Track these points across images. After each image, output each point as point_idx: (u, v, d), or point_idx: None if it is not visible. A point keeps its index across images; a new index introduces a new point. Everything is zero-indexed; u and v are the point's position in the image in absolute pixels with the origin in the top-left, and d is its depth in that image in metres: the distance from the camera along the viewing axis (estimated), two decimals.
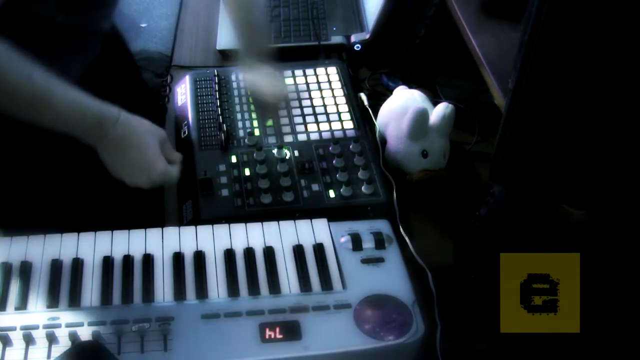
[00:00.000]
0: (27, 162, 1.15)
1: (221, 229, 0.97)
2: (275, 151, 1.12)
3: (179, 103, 1.24)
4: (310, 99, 1.23)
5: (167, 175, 1.01)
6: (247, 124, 1.17)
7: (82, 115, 0.94)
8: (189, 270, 0.91)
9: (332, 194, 1.06)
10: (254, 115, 1.19)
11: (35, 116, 0.92)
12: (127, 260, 0.92)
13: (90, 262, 0.92)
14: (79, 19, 1.07)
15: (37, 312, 0.86)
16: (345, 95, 1.24)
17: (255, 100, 1.17)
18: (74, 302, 0.87)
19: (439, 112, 1.10)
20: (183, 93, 1.25)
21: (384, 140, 1.16)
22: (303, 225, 0.98)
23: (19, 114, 0.91)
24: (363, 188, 1.06)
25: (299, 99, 1.23)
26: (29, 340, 0.82)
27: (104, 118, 0.96)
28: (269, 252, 0.94)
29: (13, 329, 0.83)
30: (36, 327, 0.83)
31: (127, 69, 1.33)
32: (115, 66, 1.24)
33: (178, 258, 0.92)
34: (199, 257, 0.93)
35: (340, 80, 1.27)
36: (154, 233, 0.96)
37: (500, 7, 1.15)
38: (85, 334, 0.83)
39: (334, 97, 1.23)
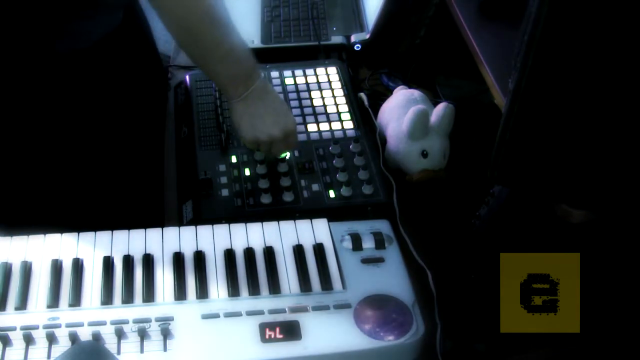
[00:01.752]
0: (27, 161, 1.15)
1: (221, 229, 0.97)
2: None
3: (179, 103, 1.24)
4: (310, 99, 1.23)
5: (295, 127, 1.07)
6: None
7: (246, 54, 1.02)
8: (189, 270, 0.91)
9: (332, 194, 1.06)
10: None
11: (209, 60, 1.01)
12: (127, 260, 0.92)
13: (90, 262, 0.92)
14: None
15: (37, 312, 0.86)
16: (345, 95, 1.24)
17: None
18: (74, 302, 0.87)
19: (439, 112, 1.10)
20: (183, 93, 1.25)
21: (384, 140, 1.16)
22: (303, 225, 0.98)
23: (197, 56, 1.02)
24: (363, 188, 1.06)
25: (299, 99, 1.23)
26: (29, 340, 0.82)
27: (255, 68, 1.03)
28: (269, 252, 0.94)
29: (13, 329, 0.83)
30: (36, 327, 0.83)
31: (144, 43, 1.32)
32: (133, 39, 1.23)
33: (178, 258, 0.92)
34: (199, 257, 0.93)
35: (340, 80, 1.27)
36: (154, 233, 0.96)
37: (500, 7, 1.15)
38: (85, 334, 0.83)
39: (334, 97, 1.23)
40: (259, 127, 1.03)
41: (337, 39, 1.40)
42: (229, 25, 0.99)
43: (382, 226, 0.99)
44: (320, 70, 1.28)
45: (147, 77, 1.16)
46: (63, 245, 0.94)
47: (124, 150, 1.24)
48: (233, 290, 0.89)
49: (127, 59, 1.16)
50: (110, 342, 0.82)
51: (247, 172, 1.08)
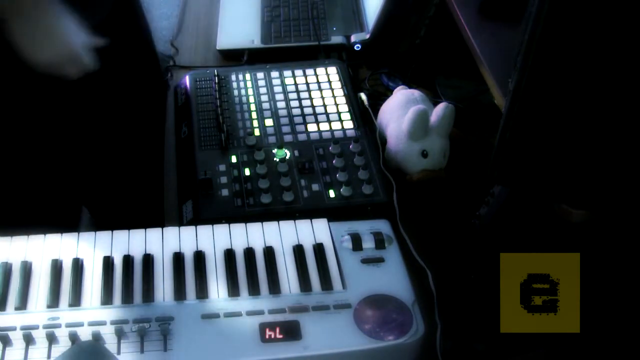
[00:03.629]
0: (27, 161, 1.15)
1: (221, 229, 0.97)
2: (275, 151, 1.12)
3: (179, 103, 1.24)
4: (310, 99, 1.23)
5: (81, 53, 0.94)
6: (247, 124, 1.17)
7: None
8: (189, 270, 0.91)
9: (332, 194, 1.06)
10: (253, 115, 1.19)
11: None
12: (127, 260, 0.92)
13: (90, 262, 0.92)
14: None
15: (37, 312, 0.86)
16: (345, 95, 1.24)
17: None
18: (74, 302, 0.87)
19: (439, 112, 1.10)
20: (183, 93, 1.25)
21: (384, 140, 1.16)
22: (303, 225, 0.98)
23: None
24: (363, 188, 1.06)
25: (299, 99, 1.23)
26: (29, 340, 0.82)
27: None
28: (269, 252, 0.94)
29: (13, 329, 0.83)
30: (36, 327, 0.83)
31: (139, 39, 1.27)
32: (125, 33, 1.18)
33: (178, 258, 0.92)
34: (199, 257, 0.93)
35: (340, 80, 1.27)
36: (154, 233, 0.96)
37: (500, 8, 1.15)
38: (85, 334, 0.83)
39: (334, 97, 1.23)
40: (58, 41, 0.92)
41: (337, 39, 1.40)
42: None
43: (382, 226, 0.99)
44: (320, 70, 1.28)
45: (145, 75, 1.15)
46: (63, 245, 0.94)
47: (123, 150, 1.24)
48: (233, 290, 0.89)
49: (118, 55, 1.12)
50: (110, 342, 0.82)
51: (247, 172, 1.08)
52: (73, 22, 0.95)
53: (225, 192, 1.05)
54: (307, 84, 1.26)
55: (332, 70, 1.29)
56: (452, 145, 1.14)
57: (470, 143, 1.20)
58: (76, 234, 0.95)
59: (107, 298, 0.88)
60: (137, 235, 0.96)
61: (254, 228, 0.97)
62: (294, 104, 1.22)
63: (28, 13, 0.90)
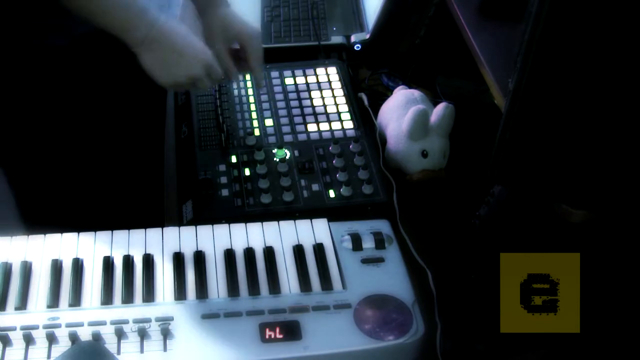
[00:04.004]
0: (27, 162, 1.15)
1: (221, 229, 0.97)
2: (275, 151, 1.12)
3: (179, 103, 1.24)
4: (310, 99, 1.23)
5: (213, 65, 1.02)
6: (247, 124, 1.17)
7: (131, 2, 0.97)
8: (189, 270, 0.91)
9: (332, 194, 1.06)
10: (253, 115, 1.19)
11: (92, 13, 0.94)
12: (127, 260, 0.92)
13: (90, 262, 0.92)
14: None
15: (37, 312, 0.86)
16: (345, 95, 1.24)
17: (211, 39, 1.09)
18: (74, 302, 0.87)
19: (439, 112, 1.10)
20: (183, 93, 1.25)
21: (384, 140, 1.16)
22: (303, 225, 0.98)
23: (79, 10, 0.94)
24: (363, 188, 1.06)
25: (299, 99, 1.23)
26: (29, 340, 0.82)
27: (150, 9, 0.98)
28: (269, 252, 0.94)
29: (13, 329, 0.83)
30: (36, 327, 0.83)
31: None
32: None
33: (178, 258, 0.92)
34: (199, 257, 0.93)
35: (340, 80, 1.27)
36: (154, 233, 0.96)
37: (500, 7, 1.15)
38: (85, 334, 0.83)
39: (334, 97, 1.23)
40: (173, 71, 1.00)
41: (337, 39, 1.40)
42: None
43: (382, 226, 0.99)
44: (320, 70, 1.28)
45: (144, 75, 1.15)
46: (63, 245, 0.94)
47: (123, 151, 1.24)
48: (233, 290, 0.89)
49: (117, 55, 1.13)
50: (110, 342, 0.82)
51: (247, 172, 1.08)
52: (198, 41, 1.03)
53: (225, 192, 1.05)
54: (307, 84, 1.26)
55: (332, 70, 1.29)
56: (452, 145, 1.14)
57: (470, 143, 1.20)
58: (76, 234, 0.95)
59: (107, 298, 0.88)
60: (137, 235, 0.96)
61: (254, 228, 0.97)
62: (294, 104, 1.22)
63: (157, 45, 0.98)
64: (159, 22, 0.98)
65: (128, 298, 0.88)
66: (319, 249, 0.94)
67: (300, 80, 1.27)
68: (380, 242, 0.95)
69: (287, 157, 1.10)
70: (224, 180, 1.07)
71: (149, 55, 0.99)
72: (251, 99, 1.22)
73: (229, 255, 0.93)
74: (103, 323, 0.84)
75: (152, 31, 0.98)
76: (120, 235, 0.96)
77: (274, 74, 1.27)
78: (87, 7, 0.95)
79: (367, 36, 1.37)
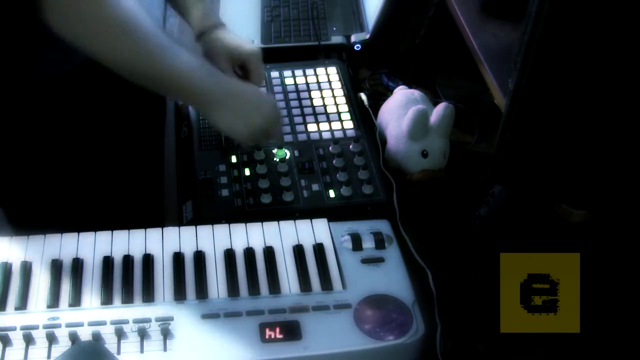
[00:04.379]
0: (27, 162, 1.15)
1: (221, 229, 0.97)
2: (275, 151, 1.12)
3: (179, 103, 1.24)
4: (310, 99, 1.23)
5: (278, 115, 1.04)
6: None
7: (199, 66, 0.96)
8: (189, 270, 0.91)
9: (332, 194, 1.06)
10: None
11: (158, 67, 0.92)
12: (127, 260, 0.92)
13: (90, 262, 0.92)
14: None
15: (37, 312, 0.86)
16: (345, 95, 1.24)
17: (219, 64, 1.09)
18: (74, 302, 0.87)
19: (439, 112, 1.10)
20: None
21: (384, 140, 1.16)
22: (303, 225, 0.98)
23: (143, 65, 0.92)
24: (363, 188, 1.06)
25: (299, 99, 1.23)
26: (29, 340, 0.82)
27: (215, 69, 0.99)
28: (269, 252, 0.94)
29: (13, 329, 0.83)
30: (36, 327, 0.83)
31: None
32: None
33: (178, 258, 0.92)
34: (199, 257, 0.93)
35: (340, 80, 1.27)
36: (154, 233, 0.96)
37: (500, 7, 1.15)
38: (85, 334, 0.83)
39: (334, 97, 1.23)
40: (249, 123, 1.00)
41: (337, 39, 1.40)
42: (165, 51, 0.92)
43: (382, 226, 0.99)
44: (320, 70, 1.28)
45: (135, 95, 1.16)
46: (63, 246, 0.93)
47: (124, 151, 1.24)
48: (233, 290, 0.89)
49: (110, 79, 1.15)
50: (110, 342, 0.82)
51: (247, 172, 1.08)
52: (265, 94, 1.08)
53: (225, 192, 1.05)
54: (307, 84, 1.26)
55: (332, 70, 1.29)
56: (452, 145, 1.14)
57: (470, 143, 1.20)
58: (76, 234, 0.95)
59: (107, 298, 0.88)
60: (137, 235, 0.96)
61: (254, 228, 0.97)
62: (294, 104, 1.22)
63: (231, 100, 0.99)
64: (225, 80, 1.00)
65: (128, 298, 0.88)
66: (319, 249, 0.94)
67: (300, 80, 1.27)
68: (380, 242, 0.95)
69: (287, 157, 1.10)
70: (224, 180, 1.07)
71: (223, 113, 0.99)
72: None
73: (229, 255, 0.93)
74: (103, 323, 0.84)
75: (223, 91, 0.98)
76: (120, 235, 0.96)
77: (274, 74, 1.27)
78: (156, 74, 0.94)
79: (367, 36, 1.36)
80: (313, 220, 0.99)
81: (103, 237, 0.95)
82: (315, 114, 1.20)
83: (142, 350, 0.82)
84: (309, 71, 1.28)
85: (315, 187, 1.07)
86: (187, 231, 0.96)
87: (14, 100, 1.09)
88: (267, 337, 0.83)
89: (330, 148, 1.12)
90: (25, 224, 1.18)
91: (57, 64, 1.08)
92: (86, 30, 0.86)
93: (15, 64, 1.03)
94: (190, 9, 1.13)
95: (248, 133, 1.01)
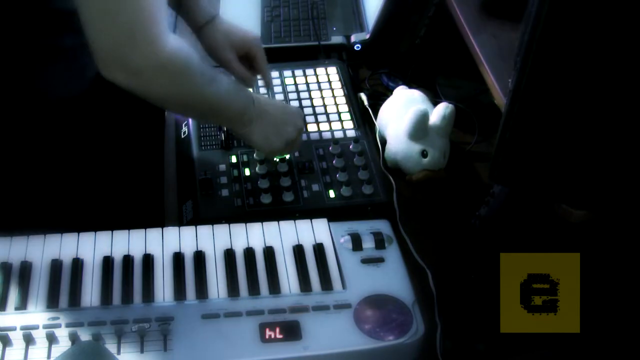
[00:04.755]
0: (27, 162, 1.15)
1: (221, 229, 0.97)
2: None
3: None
4: (310, 99, 1.23)
5: (303, 125, 1.09)
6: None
7: (236, 89, 0.99)
8: (189, 270, 0.91)
9: (332, 194, 1.06)
10: None
11: (207, 99, 0.95)
12: (127, 260, 0.92)
13: (90, 262, 0.92)
14: None
15: (37, 312, 0.86)
16: (345, 95, 1.24)
17: (223, 56, 1.10)
18: (74, 302, 0.87)
19: (439, 112, 1.10)
20: None
21: (384, 140, 1.16)
22: (303, 225, 0.98)
23: (195, 101, 0.94)
24: (363, 188, 1.06)
25: (299, 99, 1.23)
26: (29, 340, 0.82)
27: (249, 96, 1.00)
28: (269, 252, 0.94)
29: (13, 329, 0.83)
30: (36, 327, 0.83)
31: None
32: None
33: (178, 258, 0.92)
34: (199, 257, 0.93)
35: (340, 80, 1.27)
36: (154, 233, 0.96)
37: (500, 7, 1.15)
38: (85, 334, 0.83)
39: (334, 97, 1.23)
40: (283, 135, 1.03)
41: (337, 39, 1.40)
42: (211, 82, 0.93)
43: (382, 226, 0.99)
44: (320, 70, 1.28)
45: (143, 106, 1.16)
46: (63, 246, 0.93)
47: (124, 151, 1.24)
48: (233, 290, 0.89)
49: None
50: (110, 342, 0.82)
51: (247, 172, 1.08)
52: (289, 106, 1.10)
53: (225, 192, 1.05)
54: (307, 84, 1.26)
55: (332, 70, 1.29)
56: (452, 145, 1.14)
57: (470, 143, 1.20)
58: (76, 234, 0.95)
59: (107, 298, 0.88)
60: (137, 235, 0.96)
61: (254, 228, 0.97)
62: (294, 104, 1.21)
63: (262, 121, 1.01)
64: (256, 98, 1.01)
65: (128, 298, 0.88)
66: (319, 249, 0.94)
67: (300, 80, 1.27)
68: (380, 242, 0.95)
69: (287, 157, 1.10)
70: (224, 180, 1.07)
71: (259, 131, 1.01)
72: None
73: (229, 255, 0.93)
74: (103, 323, 0.84)
75: (256, 109, 1.00)
76: (120, 235, 0.96)
77: (274, 74, 1.27)
78: (199, 111, 0.98)
79: (367, 36, 1.36)
80: (313, 220, 0.99)
81: (103, 237, 0.95)
82: (315, 114, 1.20)
83: (142, 350, 0.82)
84: (309, 71, 1.28)
85: (315, 187, 1.07)
86: (187, 231, 0.96)
87: (15, 101, 1.09)
88: (267, 337, 0.83)
89: (330, 148, 1.12)
90: (25, 224, 1.18)
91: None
92: (145, 81, 0.86)
93: (16, 64, 1.04)
94: (188, 2, 1.12)
95: (284, 146, 1.04)
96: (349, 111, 1.20)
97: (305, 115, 1.17)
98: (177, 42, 0.86)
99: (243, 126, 1.01)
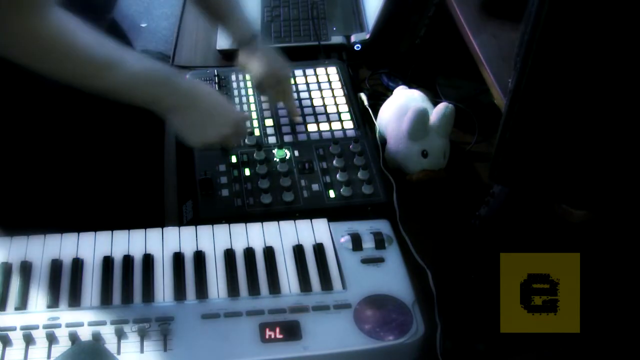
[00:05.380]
0: (27, 162, 1.15)
1: (221, 229, 0.97)
2: (275, 151, 1.12)
3: None
4: (310, 99, 1.23)
5: (241, 123, 1.05)
6: (247, 124, 1.17)
7: (150, 76, 0.96)
8: (189, 270, 0.91)
9: (332, 194, 1.06)
10: (254, 115, 1.19)
11: (103, 82, 0.92)
12: (127, 260, 0.92)
13: (90, 262, 0.92)
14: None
15: (37, 312, 0.86)
16: (345, 95, 1.24)
17: (258, 82, 1.15)
18: (74, 302, 0.87)
19: (439, 112, 1.10)
20: None
21: (384, 140, 1.16)
22: (303, 225, 0.98)
23: (87, 81, 0.92)
24: (363, 188, 1.06)
25: (299, 99, 1.23)
26: (29, 340, 0.82)
27: (171, 76, 0.98)
28: (269, 252, 0.94)
29: (13, 329, 0.83)
30: (36, 327, 0.83)
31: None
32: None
33: (178, 258, 0.92)
34: (199, 257, 0.93)
35: (340, 80, 1.27)
36: (154, 233, 0.96)
37: (500, 7, 1.15)
38: (85, 334, 0.83)
39: (334, 97, 1.23)
40: (204, 132, 1.00)
41: (337, 39, 1.40)
42: (110, 66, 0.91)
43: (382, 226, 0.99)
44: (320, 70, 1.28)
45: None
46: (63, 246, 0.94)
47: (124, 151, 1.24)
48: (233, 290, 0.89)
49: None
50: (110, 342, 0.82)
51: (247, 172, 1.08)
52: (224, 99, 1.06)
53: (225, 192, 1.05)
54: (307, 84, 1.26)
55: (332, 70, 1.29)
56: (452, 145, 1.14)
57: (470, 143, 1.20)
58: (76, 234, 0.95)
59: (107, 298, 0.88)
60: (137, 235, 0.96)
61: (254, 228, 0.97)
62: (294, 103, 1.21)
63: (187, 111, 0.98)
64: (183, 87, 0.99)
65: (128, 298, 0.88)
66: (319, 249, 0.94)
67: (300, 80, 1.27)
68: (380, 242, 0.95)
69: (287, 157, 1.10)
70: (224, 180, 1.07)
71: (179, 120, 0.99)
72: (251, 99, 1.22)
73: (229, 255, 0.93)
74: (103, 323, 0.84)
75: (179, 97, 0.98)
76: (120, 235, 0.96)
77: None
78: (102, 87, 0.93)
79: (367, 36, 1.37)
80: (313, 220, 0.99)
81: (103, 237, 0.95)
82: (315, 114, 1.20)
83: (142, 350, 0.82)
84: (309, 71, 1.28)
85: (315, 187, 1.07)
86: (187, 231, 0.96)
87: (14, 100, 1.09)
88: (267, 337, 0.83)
89: (330, 148, 1.12)
90: (25, 224, 1.18)
91: None
92: (21, 51, 0.86)
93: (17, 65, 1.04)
94: (228, 19, 1.15)
95: (198, 143, 1.02)
96: (349, 111, 1.20)
97: (250, 119, 1.17)
98: (65, 22, 0.86)
99: (161, 111, 0.98)
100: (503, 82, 1.02)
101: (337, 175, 1.08)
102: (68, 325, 0.84)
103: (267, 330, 0.84)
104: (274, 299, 0.89)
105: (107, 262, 0.92)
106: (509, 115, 0.75)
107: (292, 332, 0.84)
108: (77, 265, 0.91)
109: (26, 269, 0.90)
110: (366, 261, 0.94)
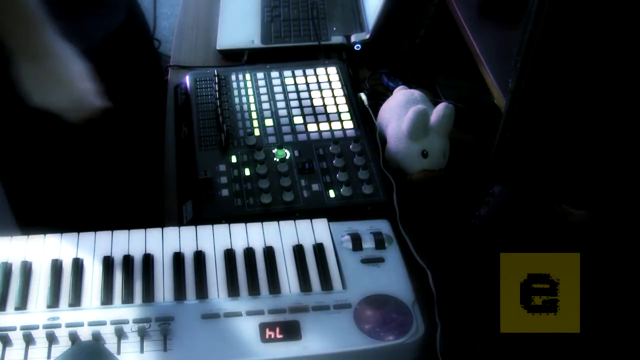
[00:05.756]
0: (27, 162, 1.15)
1: (221, 229, 0.97)
2: (275, 151, 1.12)
3: (179, 103, 1.24)
4: (310, 99, 1.23)
5: (89, 96, 0.94)
6: (247, 124, 1.17)
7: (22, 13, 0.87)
8: (189, 270, 0.91)
9: (332, 194, 1.06)
10: (254, 115, 1.19)
11: None
12: (127, 260, 0.92)
13: (90, 262, 0.92)
14: None
15: (37, 312, 0.86)
16: (345, 95, 1.24)
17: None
18: (74, 302, 0.87)
19: (439, 112, 1.10)
20: (183, 93, 1.25)
21: (384, 140, 1.16)
22: (303, 225, 0.98)
23: None
24: (363, 188, 1.06)
25: (299, 99, 1.23)
26: (29, 340, 0.82)
27: (39, 23, 0.88)
28: (269, 252, 0.94)
29: (13, 329, 0.83)
30: (36, 327, 0.83)
31: (145, 42, 1.28)
32: (135, 37, 1.21)
33: (178, 258, 0.93)
34: (199, 257, 0.93)
35: (340, 80, 1.27)
36: (154, 233, 0.96)
37: (500, 7, 1.15)
38: (85, 334, 0.83)
39: (334, 97, 1.23)
40: (43, 96, 0.92)
41: (337, 39, 1.40)
42: None
43: (382, 226, 0.99)
44: (320, 70, 1.28)
45: (147, 76, 1.16)
46: (63, 245, 0.94)
47: (124, 151, 1.24)
48: (233, 290, 0.89)
49: (128, 57, 1.16)
50: (110, 342, 0.82)
51: (247, 172, 1.08)
52: (82, 68, 0.95)
53: (225, 192, 1.05)
54: (307, 84, 1.26)
55: (332, 70, 1.29)
56: (452, 145, 1.14)
57: (470, 143, 1.20)
58: (76, 234, 0.95)
59: (107, 298, 0.88)
60: (137, 235, 0.96)
61: (254, 228, 0.97)
62: (294, 104, 1.22)
63: (37, 56, 0.90)
64: (46, 36, 0.89)
65: (128, 298, 0.88)
66: (319, 249, 0.94)
67: (300, 80, 1.27)
68: (380, 242, 0.96)
69: (287, 157, 1.10)
70: (224, 180, 1.07)
71: (26, 69, 0.90)
72: (251, 99, 1.22)
73: (229, 255, 0.93)
74: (103, 323, 0.84)
75: (37, 43, 0.88)
76: (120, 235, 0.96)
77: (274, 74, 1.27)
78: None
79: (367, 36, 1.37)
80: (313, 220, 0.99)
81: (103, 237, 0.95)
82: (315, 114, 1.20)
83: (142, 350, 0.82)
84: (309, 71, 1.28)
85: (315, 187, 1.07)
86: (187, 231, 0.97)
87: (14, 100, 1.09)
88: (267, 337, 0.83)
89: (330, 148, 1.12)
90: (25, 224, 1.18)
91: None
92: None
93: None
94: None
95: (39, 103, 0.92)
96: (349, 111, 1.20)
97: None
98: None
99: (15, 50, 0.87)
100: (503, 82, 1.02)
101: (337, 175, 1.08)
102: (68, 325, 0.84)
103: (267, 330, 0.84)
104: (274, 299, 0.89)
105: (107, 262, 0.92)
106: (509, 115, 0.75)
107: (292, 332, 0.84)
108: (77, 265, 0.91)
109: (26, 269, 0.90)
110: (366, 261, 0.94)
